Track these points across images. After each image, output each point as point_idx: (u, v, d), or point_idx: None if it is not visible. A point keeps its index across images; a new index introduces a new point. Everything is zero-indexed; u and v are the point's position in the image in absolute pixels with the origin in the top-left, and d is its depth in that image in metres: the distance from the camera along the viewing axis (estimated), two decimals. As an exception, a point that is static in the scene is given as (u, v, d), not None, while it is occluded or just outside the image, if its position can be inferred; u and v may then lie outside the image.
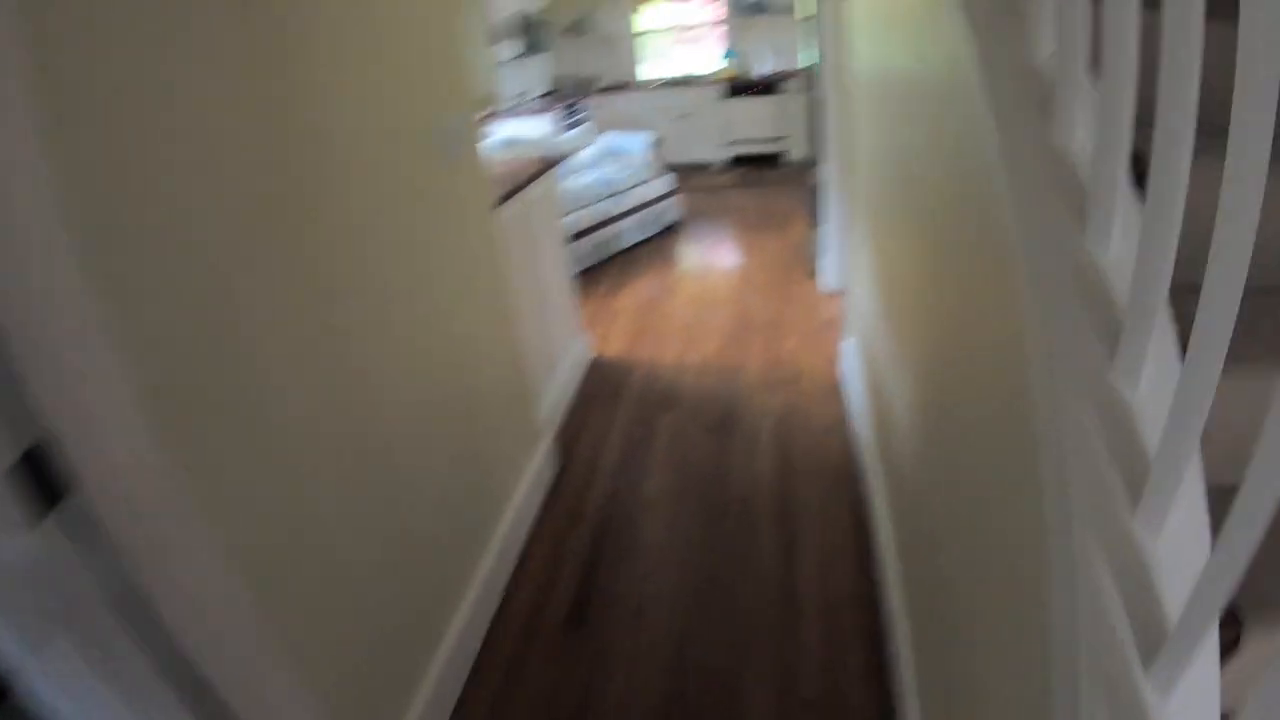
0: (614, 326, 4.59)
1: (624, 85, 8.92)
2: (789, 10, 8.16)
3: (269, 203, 1.36)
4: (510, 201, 2.99)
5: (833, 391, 3.66)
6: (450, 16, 2.27)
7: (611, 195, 5.78)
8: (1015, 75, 0.98)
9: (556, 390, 3.60)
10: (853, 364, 3.45)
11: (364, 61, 1.74)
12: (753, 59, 8.48)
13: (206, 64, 1.20)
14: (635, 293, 5.09)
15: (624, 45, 9.00)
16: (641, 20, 9.03)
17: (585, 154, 6.23)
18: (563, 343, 3.79)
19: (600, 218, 5.63)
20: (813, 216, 4.80)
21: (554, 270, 3.65)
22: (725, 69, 8.56)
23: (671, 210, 6.36)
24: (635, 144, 6.34)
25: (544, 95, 8.60)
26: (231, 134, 1.26)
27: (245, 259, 1.28)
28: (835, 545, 2.67)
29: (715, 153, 8.67)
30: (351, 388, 1.63)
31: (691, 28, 9.00)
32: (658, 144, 6.33)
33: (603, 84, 8.97)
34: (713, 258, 5.71)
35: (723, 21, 8.66)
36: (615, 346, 4.34)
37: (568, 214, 5.31)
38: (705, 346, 4.23)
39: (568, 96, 8.42)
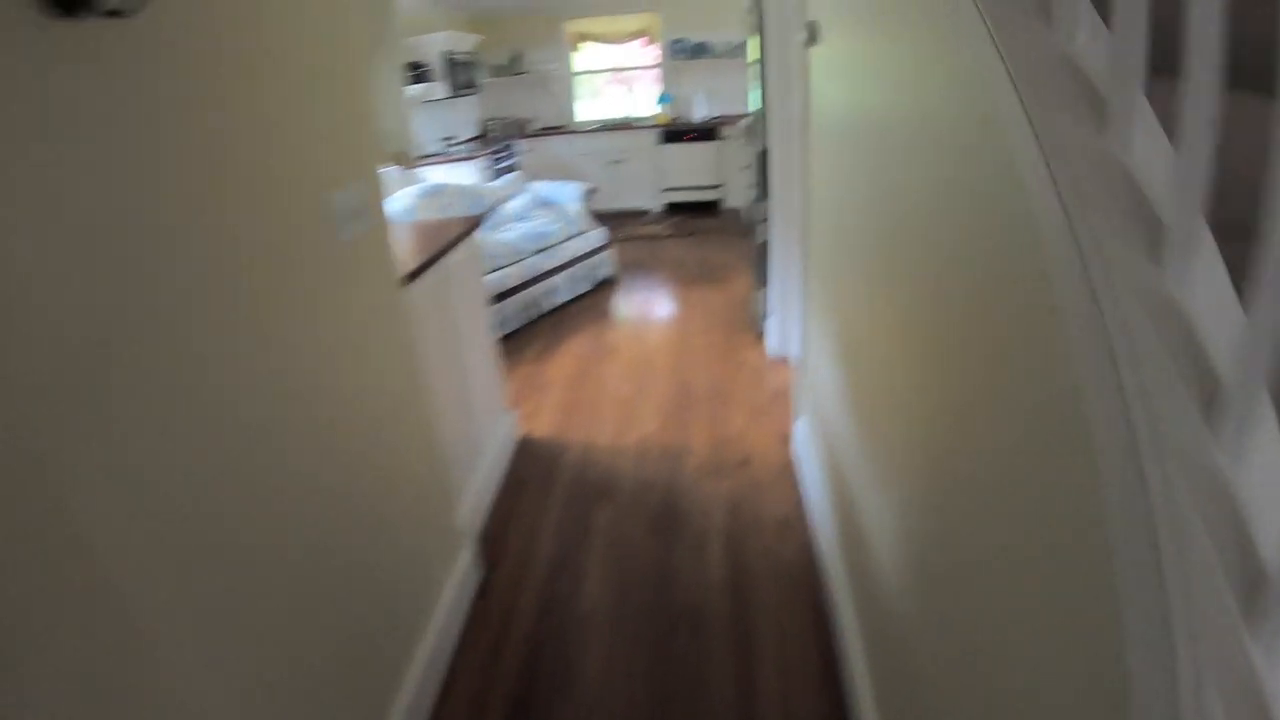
0: (544, 400, 4.17)
1: (559, 128, 8.59)
2: (729, 54, 7.96)
3: (126, 311, 1.08)
4: (427, 272, 2.57)
5: (786, 476, 3.30)
6: (351, 73, 1.86)
7: (541, 250, 5.40)
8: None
9: (481, 477, 3.17)
10: (807, 448, 3.11)
11: (248, 143, 1.34)
12: (690, 104, 8.24)
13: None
14: (567, 359, 4.69)
15: (560, 86, 8.69)
16: (578, 60, 8.73)
17: (513, 205, 5.84)
18: (488, 423, 3.36)
19: (529, 275, 5.23)
20: (759, 274, 4.47)
21: (476, 342, 3.24)
22: (660, 113, 8.30)
23: (605, 265, 5.99)
24: (567, 194, 5.97)
25: (472, 139, 8.21)
26: (78, 235, 0.99)
27: (117, 362, 1.05)
28: (798, 663, 2.31)
29: (650, 200, 8.38)
30: (239, 500, 1.31)
31: (628, 69, 8.75)
32: (590, 195, 5.97)
33: (537, 126, 8.62)
34: (651, 317, 5.34)
35: (658, 65, 8.41)
36: (546, 424, 3.92)
37: (493, 271, 4.90)
38: (645, 423, 3.84)
39: (498, 140, 8.04)
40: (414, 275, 2.43)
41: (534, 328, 5.24)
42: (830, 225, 2.41)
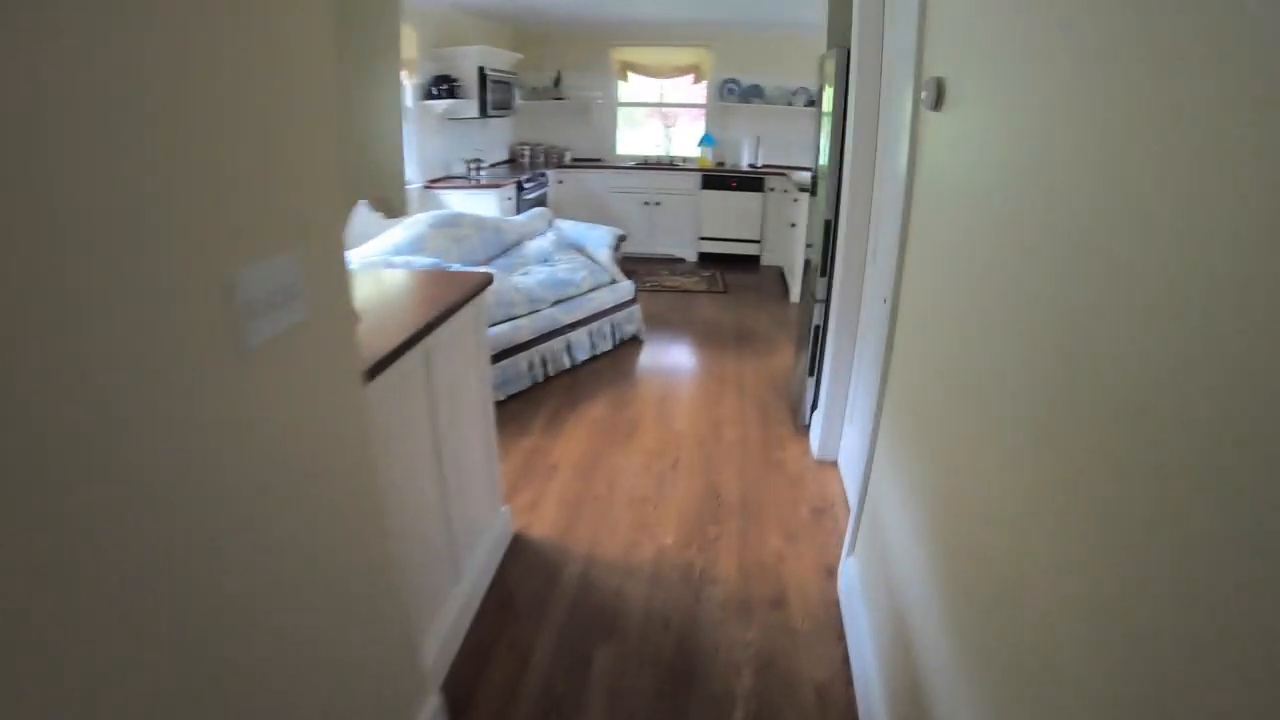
0: (548, 488, 3.54)
1: (596, 161, 8.03)
2: (784, 100, 7.39)
3: None
4: (406, 355, 1.97)
5: (829, 628, 2.67)
6: (306, 85, 1.26)
7: (561, 300, 4.80)
8: None
9: (464, 589, 2.56)
10: (859, 597, 2.48)
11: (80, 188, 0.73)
12: (735, 149, 7.67)
13: None
14: (579, 435, 4.06)
15: (602, 116, 8.14)
16: (625, 91, 8.20)
17: (536, 245, 5.25)
18: (477, 518, 2.74)
19: (545, 328, 4.62)
20: (808, 359, 3.85)
21: (470, 425, 2.63)
22: (701, 156, 7.73)
23: (631, 321, 5.38)
24: (596, 239, 5.38)
25: (501, 164, 7.66)
26: None
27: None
28: None
29: (685, 248, 7.79)
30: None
31: (671, 106, 8.20)
32: (620, 243, 5.37)
33: (572, 156, 8.06)
34: (678, 389, 4.71)
35: (704, 104, 7.85)
36: (546, 520, 3.29)
37: (504, 321, 4.31)
38: (662, 533, 3.20)
39: (529, 168, 7.48)
40: (384, 364, 1.82)
41: (545, 389, 4.62)
42: (934, 339, 1.79)
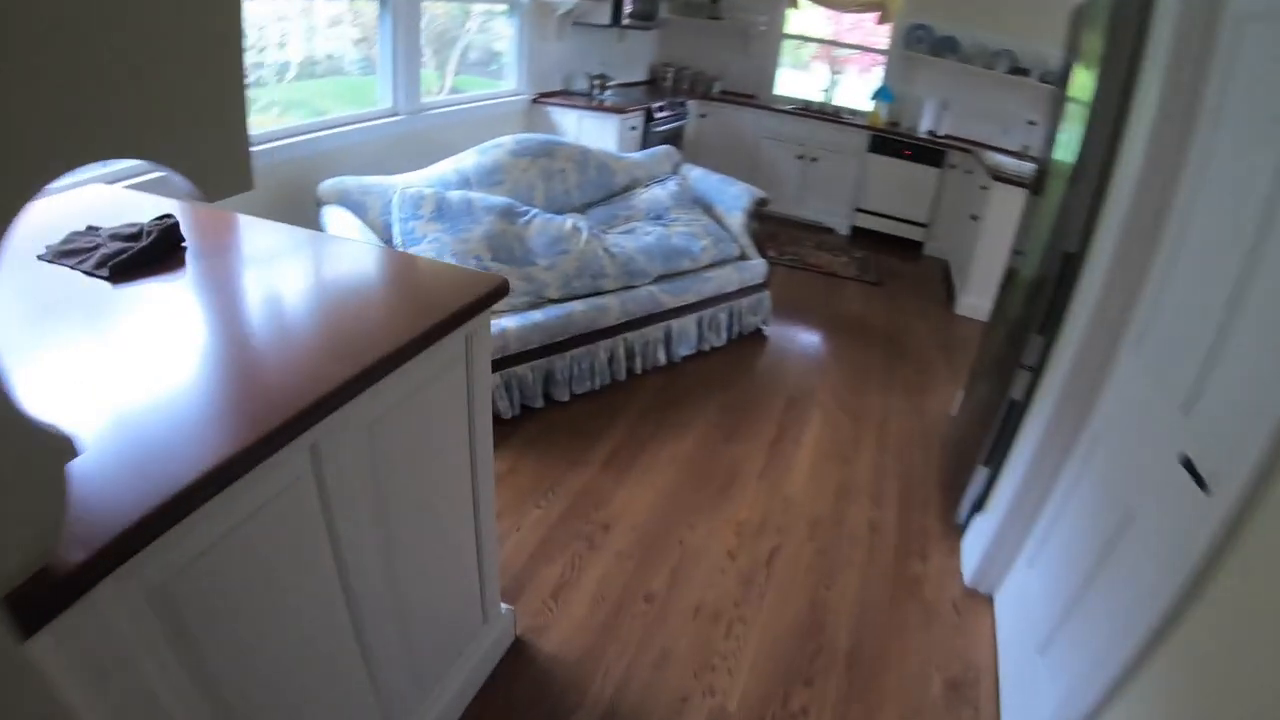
0: (585, 567, 2.50)
1: (749, 97, 6.75)
2: (985, 61, 5.89)
3: None
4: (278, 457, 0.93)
5: None
6: None
7: (669, 276, 3.69)
8: None
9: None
10: None
11: None
12: (915, 110, 6.23)
13: None
14: (651, 482, 2.99)
15: (764, 47, 6.80)
16: (794, 21, 6.82)
17: (651, 194, 4.11)
18: (446, 639, 1.75)
19: (640, 311, 3.54)
20: (989, 443, 2.63)
21: (448, 507, 1.62)
22: (873, 112, 6.34)
23: (755, 312, 4.21)
24: (730, 198, 4.19)
25: (635, 84, 6.48)
26: None
27: None
28: None
29: (838, 217, 6.48)
30: None
31: (846, 47, 6.77)
32: (760, 208, 4.16)
33: (721, 88, 6.80)
34: (800, 422, 3.54)
35: (886, 50, 6.41)
36: (569, 623, 2.27)
37: (586, 296, 3.28)
38: (728, 686, 2.13)
39: (668, 94, 6.28)
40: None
41: (627, 392, 3.55)
42: None
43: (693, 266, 3.78)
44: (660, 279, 3.66)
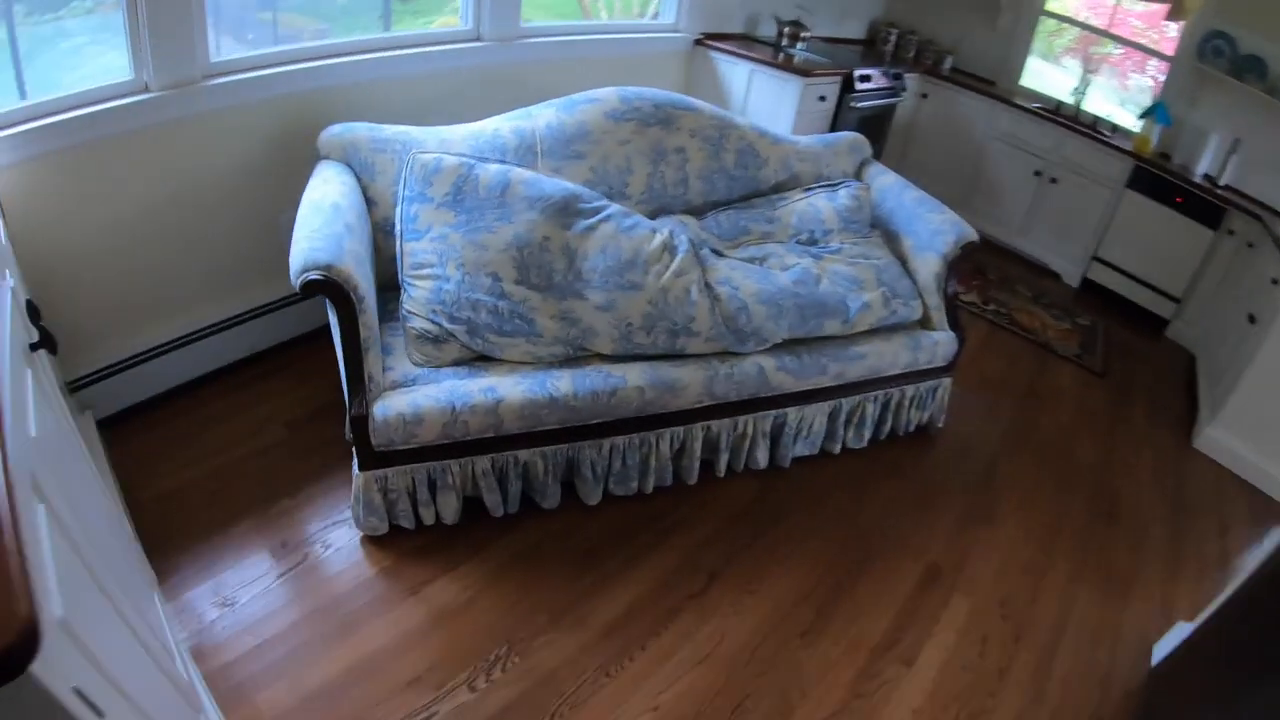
0: None
1: (987, 83, 5.16)
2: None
3: None
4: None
5: None
6: None
7: (801, 344, 2.39)
8: None
9: None
10: None
11: None
12: (1196, 143, 4.48)
13: None
14: (656, 689, 1.79)
15: (1017, 24, 5.16)
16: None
17: (810, 204, 2.78)
18: None
19: (732, 395, 2.28)
20: None
21: None
22: (1139, 134, 4.62)
23: (926, 405, 2.85)
24: (927, 230, 2.78)
25: (844, 42, 5.03)
26: None
27: None
28: None
29: (1068, 261, 4.85)
30: None
31: (1118, 42, 4.99)
32: (967, 253, 2.71)
33: (954, 64, 5.25)
34: (923, 623, 2.21)
35: (1171, 58, 4.64)
36: None
37: (648, 358, 2.03)
38: None
39: (887, 60, 4.80)
40: None
41: (688, 507, 2.33)
42: None
43: (842, 331, 2.46)
44: (783, 346, 2.37)
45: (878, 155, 4.64)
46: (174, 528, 1.97)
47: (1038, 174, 4.77)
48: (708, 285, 2.30)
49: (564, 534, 2.16)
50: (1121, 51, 5.07)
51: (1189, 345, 4.41)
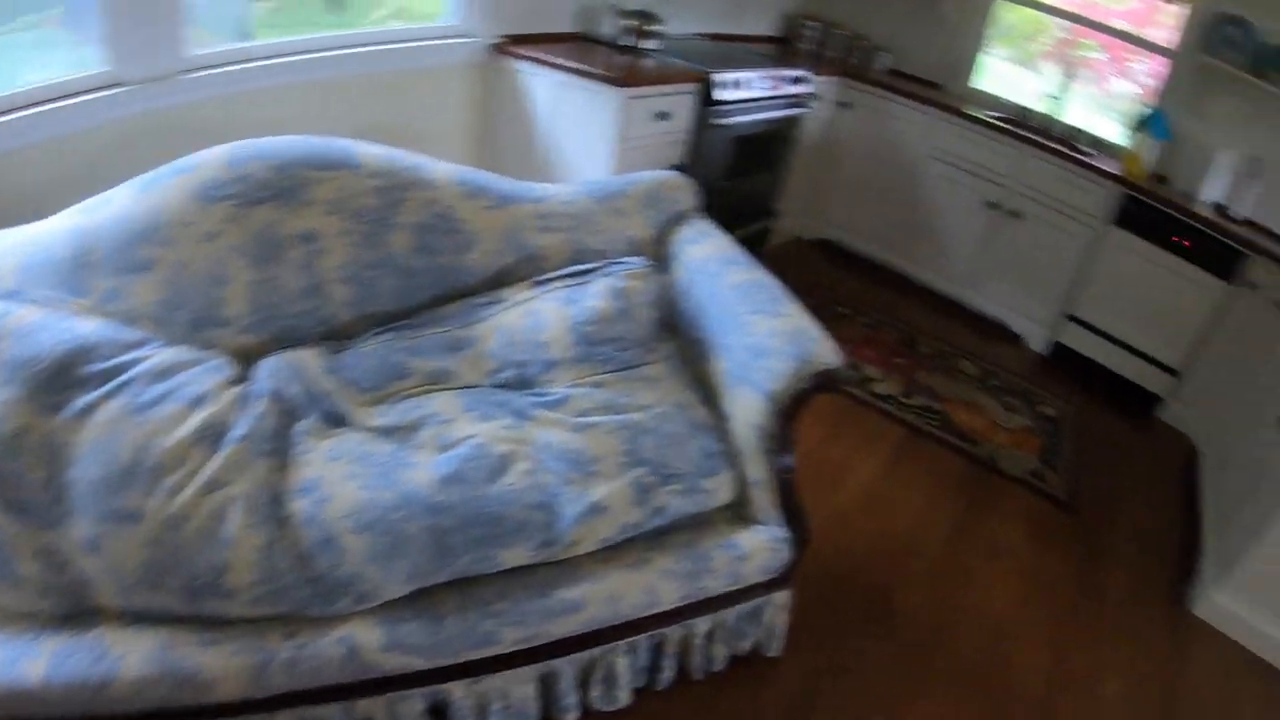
0: None
1: (930, 84, 4.06)
2: None
3: None
4: None
5: None
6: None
7: (473, 585, 1.30)
8: None
9: None
10: None
11: None
12: (1199, 163, 3.40)
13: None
14: None
15: (965, 14, 4.04)
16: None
17: (547, 307, 1.68)
18: None
19: (306, 681, 1.18)
20: None
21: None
22: (1129, 150, 3.52)
23: (740, 636, 1.75)
24: (751, 339, 1.65)
25: (746, 39, 3.95)
26: None
27: None
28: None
29: (1030, 319, 3.74)
30: None
31: (1104, 33, 3.83)
32: (824, 387, 1.56)
33: (892, 64, 4.16)
34: None
35: (1170, 53, 3.54)
36: None
37: (167, 622, 0.97)
38: None
39: (813, 63, 3.68)
40: None
41: None
42: None
43: (545, 558, 1.36)
44: (414, 598, 1.28)
45: (769, 188, 3.55)
46: None
47: (993, 205, 3.67)
48: (276, 500, 1.23)
49: None
50: (1103, 51, 3.95)
51: (1189, 432, 3.30)
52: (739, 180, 3.29)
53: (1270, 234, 3.21)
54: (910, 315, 3.69)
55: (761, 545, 1.56)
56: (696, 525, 1.56)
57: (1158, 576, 2.46)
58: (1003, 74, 4.20)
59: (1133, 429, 3.33)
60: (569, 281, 1.75)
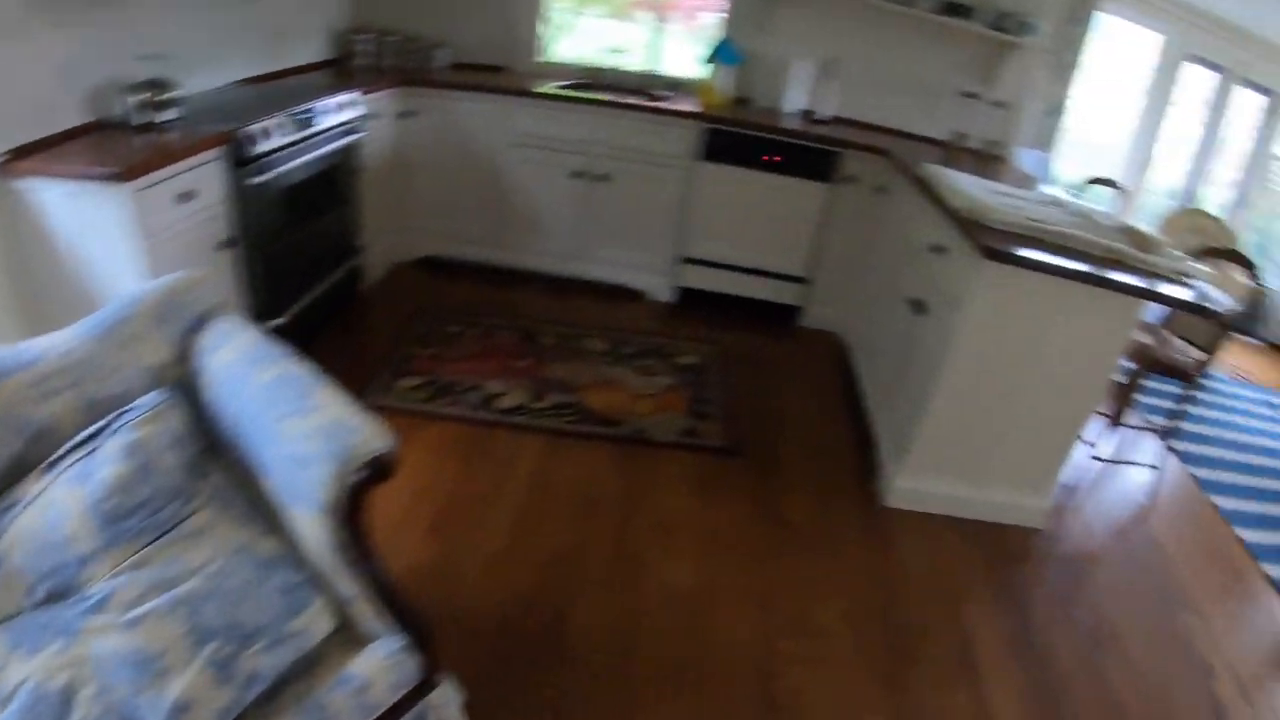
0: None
1: (495, 69, 4.01)
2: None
3: None
4: None
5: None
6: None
7: None
8: None
9: None
10: None
11: None
12: (779, 82, 3.68)
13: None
14: None
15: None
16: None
17: (43, 510, 1.41)
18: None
19: None
20: None
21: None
22: (705, 82, 3.74)
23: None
24: (288, 449, 1.49)
25: (307, 70, 3.67)
26: None
27: None
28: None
29: (650, 272, 3.91)
30: None
31: None
32: (375, 472, 1.42)
33: (454, 59, 4.08)
34: None
35: None
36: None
37: None
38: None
39: (351, 85, 3.43)
40: None
41: None
42: None
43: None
44: None
45: (346, 226, 3.31)
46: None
47: (578, 174, 3.69)
48: None
49: None
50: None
51: (835, 329, 3.57)
52: (306, 231, 3.05)
53: (857, 124, 3.48)
54: (529, 308, 3.67)
55: (380, 665, 1.42)
56: (309, 667, 1.38)
57: (845, 484, 2.61)
58: (598, 32, 4.22)
59: (780, 345, 3.55)
60: (77, 454, 1.48)
